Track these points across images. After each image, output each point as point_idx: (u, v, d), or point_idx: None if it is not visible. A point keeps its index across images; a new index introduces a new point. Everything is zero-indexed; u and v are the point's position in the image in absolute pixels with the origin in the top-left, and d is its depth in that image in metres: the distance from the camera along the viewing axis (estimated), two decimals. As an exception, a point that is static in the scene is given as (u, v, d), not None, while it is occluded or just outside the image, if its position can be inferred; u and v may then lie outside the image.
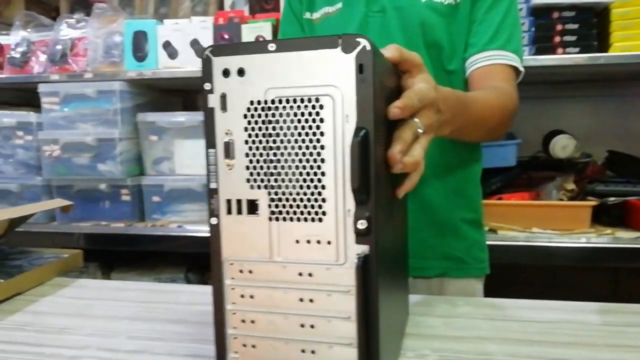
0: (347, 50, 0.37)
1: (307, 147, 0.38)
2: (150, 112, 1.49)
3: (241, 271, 0.41)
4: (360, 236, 0.38)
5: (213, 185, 0.40)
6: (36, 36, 1.57)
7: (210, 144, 0.40)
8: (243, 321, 0.42)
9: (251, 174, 0.40)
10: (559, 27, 1.19)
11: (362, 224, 0.38)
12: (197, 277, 1.63)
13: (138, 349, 0.53)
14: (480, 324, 0.57)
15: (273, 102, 0.39)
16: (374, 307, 0.38)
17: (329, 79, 0.38)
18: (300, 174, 0.39)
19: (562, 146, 1.28)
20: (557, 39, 1.20)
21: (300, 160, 0.39)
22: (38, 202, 1.29)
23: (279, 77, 0.39)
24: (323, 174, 0.38)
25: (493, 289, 0.83)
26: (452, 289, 0.80)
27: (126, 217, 1.49)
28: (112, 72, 1.48)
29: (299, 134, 0.38)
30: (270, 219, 0.40)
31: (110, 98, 1.44)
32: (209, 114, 0.40)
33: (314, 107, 0.38)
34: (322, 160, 0.38)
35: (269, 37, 1.39)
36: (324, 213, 0.39)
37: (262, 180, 0.40)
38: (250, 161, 0.40)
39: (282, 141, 0.39)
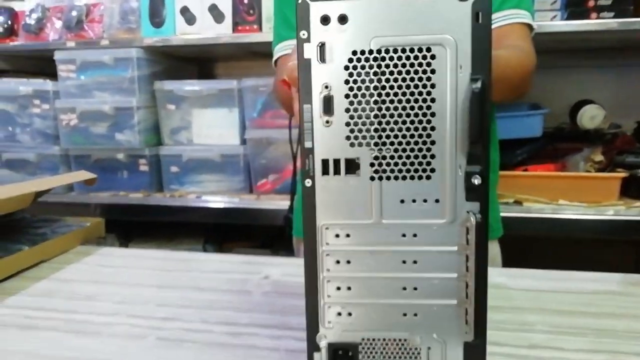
0: (463, -3, 0.34)
1: (416, 100, 0.36)
2: (167, 80, 1.45)
3: (337, 235, 0.39)
4: (473, 192, 0.36)
5: (308, 144, 0.38)
6: (51, 2, 1.51)
7: (306, 99, 0.38)
8: (338, 288, 0.40)
9: (352, 130, 0.38)
10: (595, -10, 1.16)
11: (477, 179, 0.36)
12: (215, 248, 1.62)
13: (169, 316, 0.52)
14: (514, 294, 0.56)
15: (379, 51, 0.36)
16: (485, 265, 0.37)
17: (442, 27, 0.35)
18: (408, 129, 0.37)
19: (591, 116, 1.27)
20: (592, 2, 1.16)
21: (408, 115, 0.36)
22: (62, 175, 1.26)
23: (386, 25, 0.36)
24: (433, 128, 0.36)
25: (514, 261, 0.83)
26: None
27: (144, 187, 1.47)
28: (129, 38, 1.43)
29: (407, 87, 0.36)
30: (372, 178, 0.38)
31: (127, 66, 1.40)
32: (305, 66, 0.37)
33: (424, 57, 0.36)
34: (432, 114, 0.36)
35: (292, 2, 1.34)
36: (432, 170, 0.37)
37: (364, 137, 0.38)
38: (352, 117, 0.38)
39: (388, 94, 0.37)
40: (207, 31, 1.38)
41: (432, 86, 0.37)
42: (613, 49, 1.41)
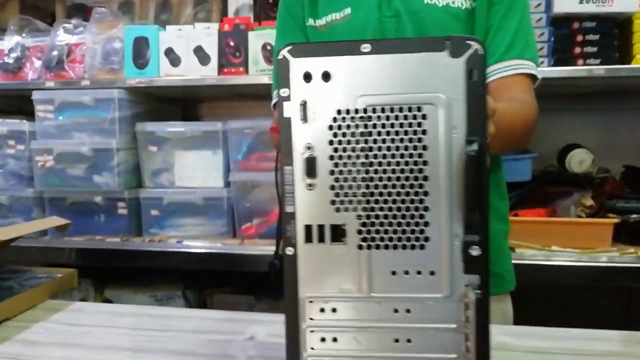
0: (455, 53, 0.32)
1: (407, 163, 0.33)
2: (149, 122, 1.42)
3: (322, 310, 0.35)
4: (471, 264, 0.33)
5: (289, 209, 0.35)
6: (31, 41, 1.49)
7: (287, 160, 0.35)
8: (323, 369, 0.36)
9: (337, 194, 0.34)
10: (580, 37, 1.18)
11: (475, 250, 0.33)
12: (195, 295, 1.55)
13: None
14: (521, 358, 0.52)
15: (365, 111, 0.34)
16: (487, 345, 0.33)
17: (433, 85, 0.33)
18: (399, 193, 0.33)
19: (579, 160, 1.26)
20: (578, 49, 1.18)
21: (399, 178, 0.33)
22: (32, 222, 1.20)
23: (373, 83, 0.33)
24: (426, 193, 0.33)
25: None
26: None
27: (122, 231, 1.41)
28: (111, 79, 1.41)
29: (397, 148, 0.33)
30: (360, 247, 0.34)
31: (108, 106, 1.36)
32: (286, 125, 0.34)
33: (415, 116, 0.33)
34: (425, 178, 0.33)
35: (278, 45, 1.34)
36: (426, 239, 0.34)
37: (350, 202, 0.34)
38: (337, 180, 0.34)
39: (376, 156, 0.34)
40: (192, 73, 1.37)
41: (424, 148, 0.34)
42: (599, 94, 1.43)
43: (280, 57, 0.34)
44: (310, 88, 0.34)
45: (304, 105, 0.34)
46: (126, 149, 1.40)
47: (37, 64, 1.47)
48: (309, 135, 0.34)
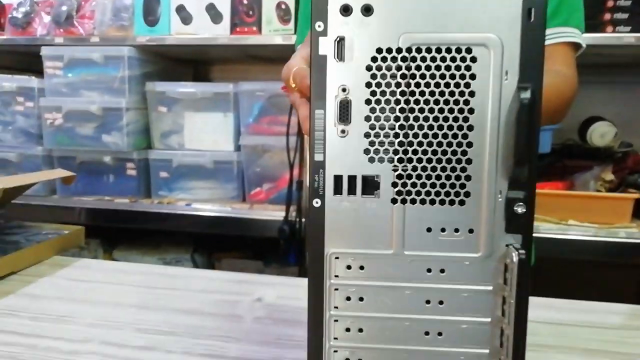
0: (513, -12, 0.29)
1: (451, 111, 0.30)
2: (159, 82, 1.38)
3: (349, 267, 0.33)
4: (514, 223, 0.30)
5: (318, 157, 0.32)
6: (40, -6, 1.45)
7: (319, 103, 0.32)
8: (347, 330, 0.34)
9: (372, 143, 0.32)
10: (610, 2, 1.11)
11: (521, 207, 0.30)
12: (204, 259, 1.55)
13: (147, 344, 0.46)
14: (539, 329, 0.51)
15: (409, 50, 0.30)
16: (525, 310, 0.31)
17: (485, 25, 0.29)
18: (440, 144, 0.31)
19: (601, 134, 1.22)
20: (607, 15, 1.12)
21: (441, 127, 0.30)
22: (36, 172, 1.19)
23: (419, 19, 0.30)
24: (469, 144, 0.30)
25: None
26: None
27: (131, 192, 1.40)
28: (121, 36, 1.37)
29: (441, 94, 0.30)
30: (394, 201, 0.32)
31: (118, 65, 1.33)
32: (320, 64, 0.31)
33: (463, 59, 0.30)
34: (470, 128, 0.30)
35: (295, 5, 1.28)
36: (466, 194, 0.31)
37: (386, 152, 0.32)
38: (372, 127, 0.31)
39: (417, 102, 0.31)
40: (204, 32, 1.32)
41: (471, 94, 0.31)
42: (624, 65, 1.37)
43: (315, -12, 0.30)
44: (348, 22, 0.31)
45: (341, 41, 0.31)
46: (136, 109, 1.38)
47: (46, 19, 1.43)
48: (345, 76, 0.31)
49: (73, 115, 1.36)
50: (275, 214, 1.24)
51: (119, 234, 1.56)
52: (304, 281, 0.33)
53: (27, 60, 1.53)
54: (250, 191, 1.34)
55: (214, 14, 1.32)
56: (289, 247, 1.16)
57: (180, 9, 1.34)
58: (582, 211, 1.14)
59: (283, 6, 1.30)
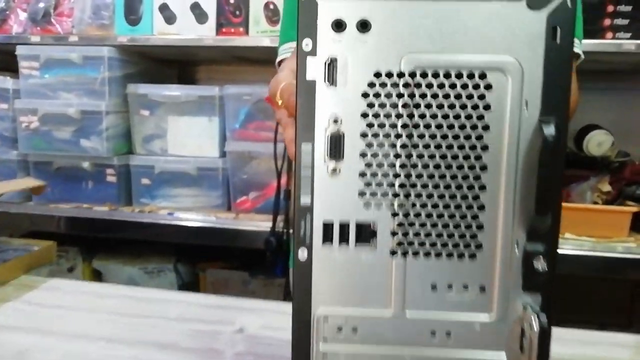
0: (536, 3, 0.24)
1: (461, 147, 0.26)
2: (142, 84, 1.32)
3: (340, 329, 0.28)
4: (534, 281, 0.26)
5: (305, 200, 0.27)
6: (16, -11, 1.37)
7: (306, 135, 0.27)
8: (338, 397, 0.29)
9: (368, 184, 0.27)
10: (610, 8, 1.08)
11: (540, 263, 0.25)
12: (187, 269, 1.49)
13: None
14: None
15: (413, 75, 0.26)
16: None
17: (502, 45, 0.25)
18: (447, 186, 0.26)
19: (598, 142, 1.19)
20: (607, 21, 1.09)
21: (449, 167, 0.26)
22: (3, 182, 1.12)
23: (425, 38, 0.25)
24: (482, 187, 0.26)
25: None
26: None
27: (111, 200, 1.33)
28: (101, 35, 1.30)
29: (450, 127, 0.26)
30: (393, 252, 0.27)
31: (98, 65, 1.27)
32: (307, 89, 0.26)
33: (476, 86, 0.25)
34: (483, 168, 0.26)
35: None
36: (478, 246, 0.26)
37: (384, 195, 0.27)
38: (369, 165, 0.27)
39: (421, 136, 0.26)
40: (188, 32, 1.26)
41: (485, 128, 0.27)
42: (623, 72, 1.34)
43: (302, -3, 0.25)
44: (341, 40, 0.26)
45: (332, 63, 0.26)
46: (116, 112, 1.31)
47: (23, 16, 1.36)
48: (337, 104, 0.26)
49: (50, 118, 1.29)
50: (262, 224, 1.19)
51: (100, 242, 1.50)
52: (290, 307, 0.28)
53: (1, 59, 1.45)
54: (236, 200, 1.29)
55: (199, 14, 1.26)
56: (276, 259, 1.11)
57: (164, 8, 1.28)
58: (580, 224, 1.11)
59: (271, 6, 1.24)
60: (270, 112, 1.24)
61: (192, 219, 1.24)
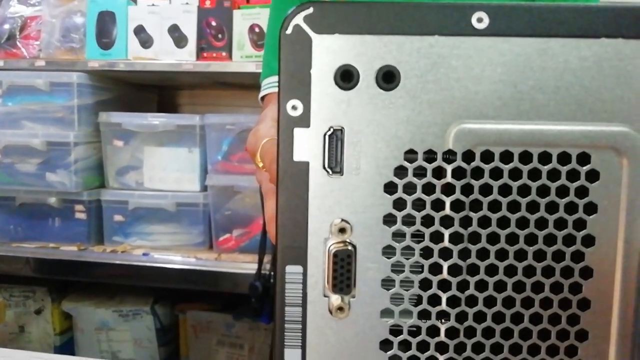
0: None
1: (548, 272, 0.16)
2: (115, 112, 1.23)
3: None
4: None
5: (291, 356, 0.17)
6: (-24, 11, 1.28)
7: (292, 253, 0.17)
8: None
9: (396, 331, 0.17)
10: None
11: None
12: (166, 311, 1.37)
13: None
14: None
15: (469, 156, 0.16)
16: None
17: (617, 109, 0.15)
18: (525, 334, 0.16)
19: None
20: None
21: (528, 302, 0.16)
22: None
23: (489, 97, 0.16)
24: (581, 335, 0.16)
25: None
26: None
27: (80, 239, 1.23)
28: (70, 60, 1.21)
29: (530, 240, 0.16)
30: None
31: (66, 92, 1.17)
32: (293, 177, 0.16)
33: (572, 175, 0.16)
34: (583, 304, 0.16)
35: (268, 28, 1.15)
36: None
37: (423, 347, 0.17)
38: (397, 300, 0.17)
39: (483, 255, 0.16)
40: (166, 56, 1.17)
41: (587, 241, 0.17)
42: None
43: (287, 29, 0.16)
44: (351, 101, 0.16)
45: (336, 136, 0.16)
46: (87, 143, 1.21)
47: (-16, 38, 1.26)
48: (344, 203, 0.16)
49: (12, 149, 1.19)
50: (247, 265, 1.08)
51: (70, 281, 1.38)
52: None
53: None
54: (218, 238, 1.18)
55: (178, 37, 1.18)
56: (262, 306, 1.00)
57: (139, 30, 1.19)
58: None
59: (256, 29, 1.16)
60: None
61: (169, 260, 1.13)
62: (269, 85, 0.65)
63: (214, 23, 1.18)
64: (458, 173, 0.16)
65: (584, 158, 0.16)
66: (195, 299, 1.38)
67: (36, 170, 1.19)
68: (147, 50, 1.17)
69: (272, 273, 1.03)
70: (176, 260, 1.13)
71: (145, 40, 1.18)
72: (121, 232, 1.22)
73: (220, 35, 1.16)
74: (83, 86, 1.18)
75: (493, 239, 0.16)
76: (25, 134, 1.18)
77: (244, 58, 1.14)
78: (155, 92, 1.55)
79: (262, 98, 0.69)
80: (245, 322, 1.29)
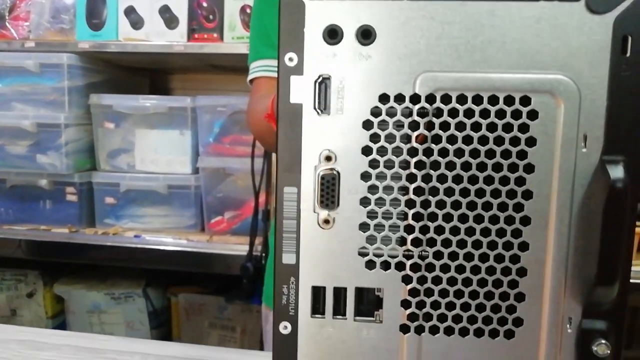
0: (599, 4, 0.18)
1: (496, 194, 0.20)
2: (106, 94, 1.23)
3: None
4: (594, 372, 0.20)
5: (288, 259, 0.21)
6: (-36, -9, 1.27)
7: (289, 177, 0.20)
8: None
9: (372, 238, 0.20)
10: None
11: (601, 347, 0.19)
12: (158, 294, 1.39)
13: None
14: None
15: (432, 99, 0.19)
16: None
17: (552, 60, 0.19)
18: (477, 244, 0.20)
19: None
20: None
21: (479, 220, 0.20)
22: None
23: (447, 51, 0.19)
24: (523, 246, 0.20)
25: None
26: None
27: (71, 221, 1.23)
28: (60, 41, 1.21)
29: (481, 167, 0.19)
30: (405, 328, 0.21)
31: (57, 74, 1.17)
32: (291, 117, 0.20)
33: (517, 114, 0.19)
34: (524, 221, 0.20)
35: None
36: (517, 321, 0.20)
37: (393, 253, 0.20)
38: (372, 214, 0.20)
39: (442, 178, 0.20)
40: (157, 38, 1.18)
41: (528, 169, 0.21)
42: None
43: (283, -6, 0.19)
44: (337, 54, 0.19)
45: (325, 83, 0.19)
46: (77, 125, 1.21)
47: (-28, 19, 1.25)
48: (330, 137, 0.20)
49: (2, 131, 1.19)
50: (238, 247, 1.11)
51: (62, 264, 1.39)
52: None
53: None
54: (210, 220, 1.20)
55: (169, 18, 1.18)
56: (254, 287, 1.03)
57: (130, 11, 1.20)
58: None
59: (248, 10, 1.18)
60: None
61: (161, 242, 1.15)
62: (258, 68, 0.68)
63: (205, 4, 1.19)
64: (422, 113, 0.19)
65: (525, 100, 0.19)
66: (187, 282, 1.41)
67: (27, 152, 1.19)
68: (137, 31, 1.18)
69: (264, 254, 1.06)
70: (168, 242, 1.15)
71: (135, 21, 1.19)
72: (113, 214, 1.23)
73: (211, 17, 1.17)
74: (73, 67, 1.18)
75: (450, 167, 0.19)
76: (16, 116, 1.18)
77: (235, 39, 1.16)
78: (147, 75, 1.55)
79: (251, 81, 0.71)
80: (237, 304, 1.32)
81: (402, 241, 0.20)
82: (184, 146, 1.22)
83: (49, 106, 1.18)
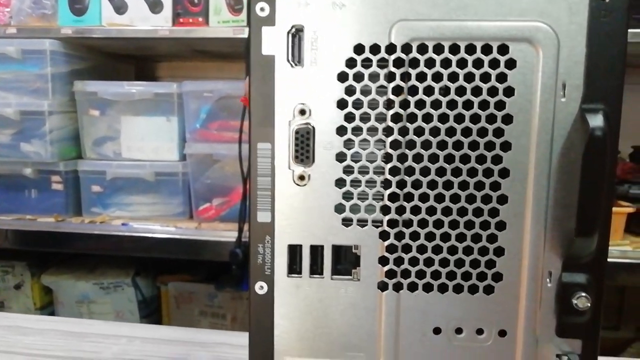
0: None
1: (473, 146, 0.19)
2: (90, 81, 1.21)
3: (314, 385, 0.21)
4: (572, 323, 0.20)
5: (263, 218, 0.20)
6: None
7: (262, 131, 0.20)
8: None
9: (348, 195, 0.20)
10: None
11: (581, 300, 0.19)
12: (148, 282, 1.38)
13: None
14: None
15: (408, 48, 0.19)
16: None
17: (530, 7, 0.18)
18: (455, 198, 0.19)
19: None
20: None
21: (457, 171, 0.19)
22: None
23: (423, 0, 0.19)
24: (502, 199, 0.19)
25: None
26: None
27: (57, 210, 1.22)
28: (43, 27, 1.18)
29: (459, 118, 0.19)
30: (383, 286, 0.20)
31: (39, 60, 1.15)
32: (262, 69, 0.19)
33: (494, 63, 0.19)
34: (503, 173, 0.19)
35: (244, -4, 1.15)
36: (496, 276, 0.20)
37: (369, 209, 0.20)
38: (349, 169, 0.20)
39: (419, 131, 0.19)
40: (141, 22, 1.16)
41: (506, 119, 0.20)
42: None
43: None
44: (310, 3, 0.19)
45: (298, 34, 0.19)
46: (62, 112, 1.20)
47: (-50, 5, 1.22)
48: (304, 90, 0.19)
49: (-16, 120, 1.16)
50: (227, 234, 1.10)
51: (50, 255, 1.37)
52: None
53: None
54: (198, 207, 1.19)
55: (153, 2, 1.16)
56: (243, 273, 1.03)
57: (114, -4, 1.17)
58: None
59: (234, -1, 1.16)
60: (234, 110, 1.15)
61: (149, 230, 1.14)
62: None
63: (190, -10, 1.17)
64: (398, 63, 0.19)
65: (503, 49, 0.19)
66: (176, 271, 1.40)
67: (10, 140, 1.17)
68: (121, 16, 1.16)
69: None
70: (156, 230, 1.14)
71: (119, 5, 1.16)
72: (99, 203, 1.22)
73: (196, 0, 1.15)
74: (56, 54, 1.16)
75: (427, 119, 0.19)
76: (-2, 104, 1.17)
77: (221, 23, 1.14)
78: (133, 63, 1.53)
79: None
80: (227, 292, 1.32)
81: (379, 196, 0.19)
82: (170, 133, 1.21)
83: (32, 94, 1.16)
